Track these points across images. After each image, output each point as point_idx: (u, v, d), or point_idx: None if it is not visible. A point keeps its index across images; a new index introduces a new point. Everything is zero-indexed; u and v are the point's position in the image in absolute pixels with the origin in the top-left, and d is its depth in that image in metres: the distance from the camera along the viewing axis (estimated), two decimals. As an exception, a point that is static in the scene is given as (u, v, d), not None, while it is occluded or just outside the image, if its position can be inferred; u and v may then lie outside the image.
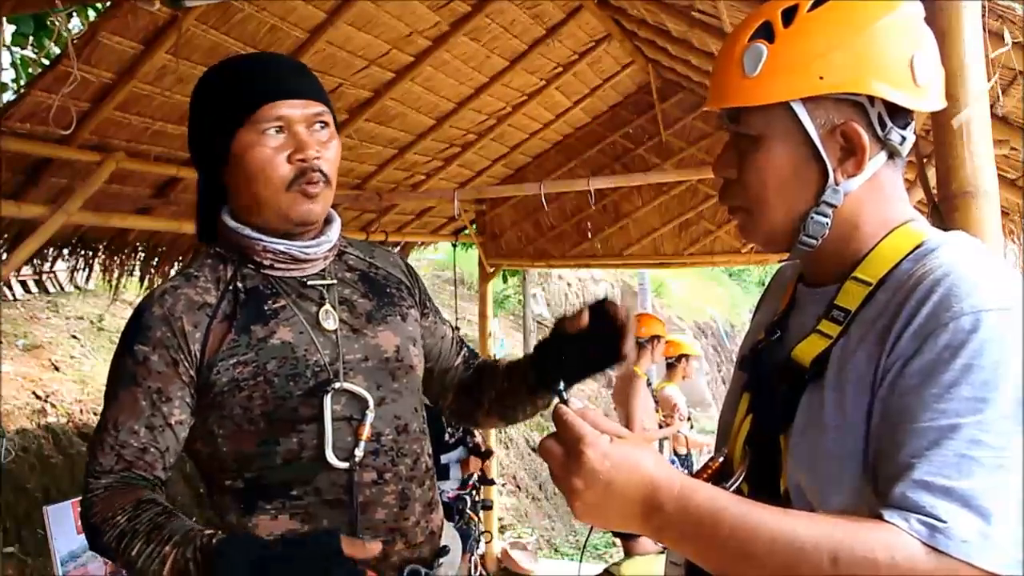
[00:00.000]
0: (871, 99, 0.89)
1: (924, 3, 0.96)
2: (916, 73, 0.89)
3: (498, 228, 5.67)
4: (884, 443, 0.81)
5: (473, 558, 4.58)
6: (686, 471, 1.34)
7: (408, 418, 1.35)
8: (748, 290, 17.27)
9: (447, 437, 4.43)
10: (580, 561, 6.59)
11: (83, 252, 3.66)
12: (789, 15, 0.91)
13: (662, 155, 5.08)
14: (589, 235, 5.39)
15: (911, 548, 0.73)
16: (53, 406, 4.83)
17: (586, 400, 9.46)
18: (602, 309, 1.34)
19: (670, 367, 5.39)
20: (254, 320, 1.26)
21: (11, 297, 5.92)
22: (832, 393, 0.87)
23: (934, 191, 1.47)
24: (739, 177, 0.96)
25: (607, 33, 4.16)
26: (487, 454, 4.72)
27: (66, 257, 3.62)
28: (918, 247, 0.89)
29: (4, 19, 2.94)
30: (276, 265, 1.31)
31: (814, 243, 0.94)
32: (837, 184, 0.91)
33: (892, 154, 0.93)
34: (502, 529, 6.86)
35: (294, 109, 1.26)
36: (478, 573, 4.75)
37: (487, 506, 4.75)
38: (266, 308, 1.28)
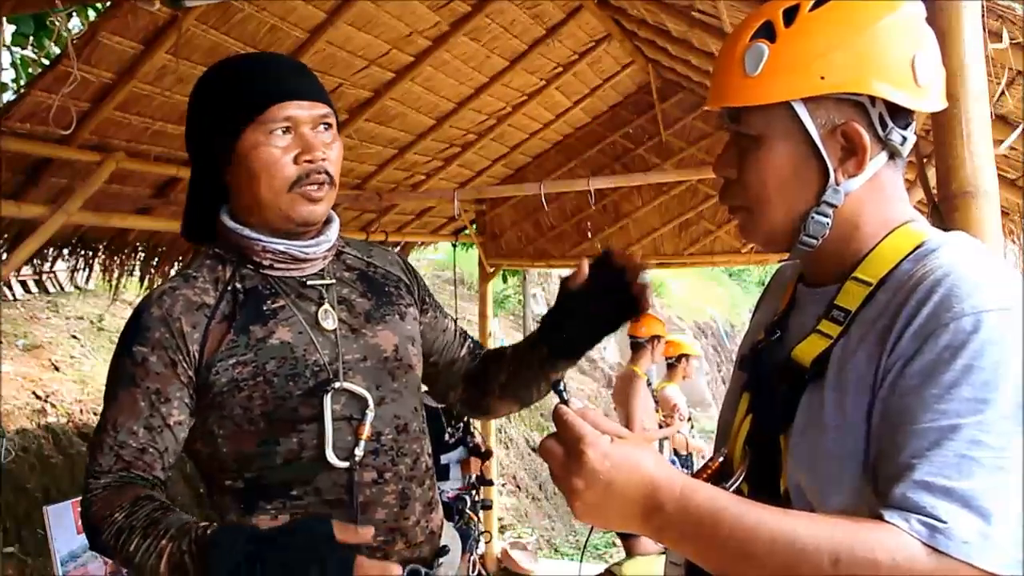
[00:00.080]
0: (872, 99, 0.89)
1: (924, 3, 0.96)
2: (917, 73, 0.89)
3: (498, 228, 5.67)
4: (884, 443, 0.80)
5: (473, 558, 4.58)
6: (687, 471, 1.34)
7: (408, 418, 1.35)
8: (748, 290, 17.27)
9: (447, 437, 4.43)
10: (581, 561, 6.59)
11: (83, 252, 3.66)
12: (790, 15, 0.91)
13: (662, 155, 5.08)
14: (589, 235, 5.39)
15: (911, 548, 0.73)
16: (53, 406, 4.83)
17: (586, 400, 9.46)
18: (607, 261, 1.32)
19: (670, 367, 5.38)
20: (253, 320, 1.26)
21: (11, 297, 5.92)
22: (832, 393, 0.87)
23: (934, 191, 1.47)
24: (739, 177, 0.96)
25: (607, 33, 4.16)
26: (486, 454, 4.72)
27: (66, 257, 3.62)
28: (918, 247, 0.89)
29: (4, 19, 2.94)
30: (275, 265, 1.31)
31: (814, 243, 0.94)
32: (838, 184, 0.91)
33: (893, 154, 0.93)
34: (502, 529, 6.86)
35: (301, 110, 1.26)
36: (476, 573, 4.76)
37: (487, 506, 4.75)
38: (265, 308, 1.28)
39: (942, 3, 1.34)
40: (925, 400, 0.78)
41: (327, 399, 1.25)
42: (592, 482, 0.80)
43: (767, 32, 0.91)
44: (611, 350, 11.74)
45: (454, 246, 6.27)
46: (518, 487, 7.80)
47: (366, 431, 1.27)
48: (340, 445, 1.25)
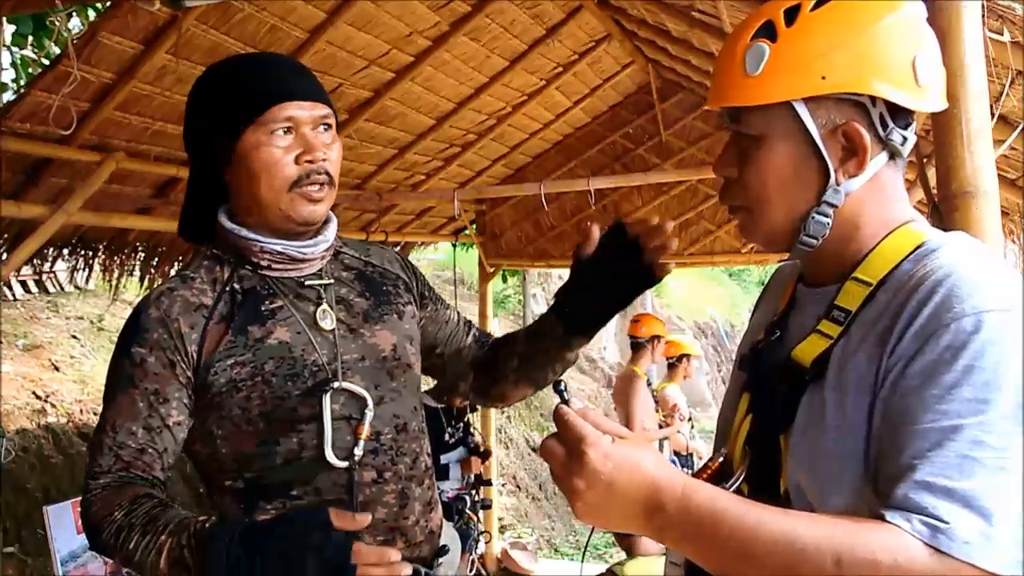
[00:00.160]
0: (873, 99, 0.89)
1: (924, 3, 0.96)
2: (918, 73, 0.89)
3: (498, 228, 5.67)
4: (885, 444, 0.80)
5: (472, 558, 4.58)
6: (687, 471, 1.34)
7: (407, 417, 1.35)
8: (748, 290, 17.27)
9: (447, 437, 4.44)
10: (582, 561, 6.59)
11: (83, 252, 3.66)
12: (791, 14, 0.90)
13: (662, 155, 5.08)
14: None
15: (913, 549, 0.73)
16: (53, 406, 4.83)
17: (586, 400, 9.46)
18: (621, 231, 1.29)
19: (671, 367, 5.38)
20: (251, 320, 1.26)
21: (11, 297, 5.92)
22: (833, 394, 0.87)
23: (934, 191, 1.47)
24: (740, 176, 0.96)
25: (607, 33, 4.16)
26: (485, 455, 4.72)
27: (66, 257, 3.62)
28: (918, 247, 0.89)
29: (4, 19, 2.94)
30: (273, 265, 1.31)
31: (815, 243, 0.94)
32: (838, 184, 0.91)
33: (893, 154, 0.93)
34: (502, 529, 6.86)
35: (302, 111, 1.26)
36: (474, 572, 4.76)
37: (486, 505, 4.75)
38: (263, 308, 1.28)
39: (942, 3, 1.35)
40: (926, 400, 0.78)
41: (326, 399, 1.25)
42: (593, 482, 0.80)
43: (768, 32, 0.91)
44: (611, 350, 11.75)
45: (454, 246, 6.28)
46: (518, 487, 7.80)
47: (365, 431, 1.27)
48: (339, 445, 1.25)
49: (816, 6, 0.90)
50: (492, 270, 5.79)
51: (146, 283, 4.01)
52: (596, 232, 1.31)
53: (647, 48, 4.45)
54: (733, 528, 0.77)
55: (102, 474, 1.21)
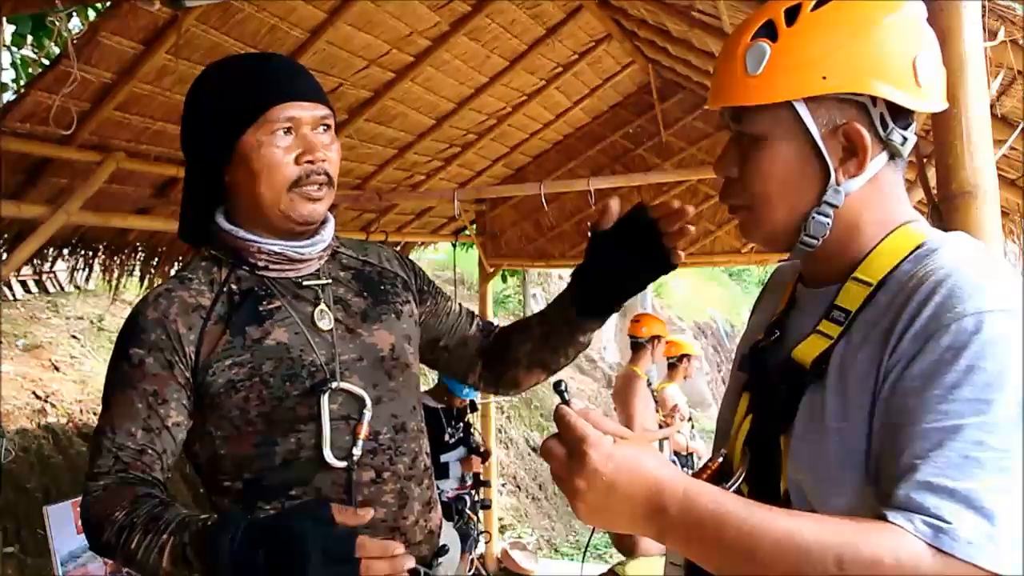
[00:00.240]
0: (873, 99, 0.89)
1: (924, 3, 0.96)
2: (918, 74, 0.89)
3: (498, 228, 5.67)
4: (886, 445, 0.80)
5: (472, 558, 4.58)
6: (687, 471, 1.34)
7: (405, 417, 1.35)
8: (748, 290, 17.26)
9: (447, 437, 4.43)
10: (583, 561, 6.59)
11: (83, 252, 3.66)
12: (792, 14, 0.90)
13: (662, 155, 5.08)
14: (589, 235, 5.38)
15: (916, 549, 0.73)
16: (53, 406, 4.83)
17: (586, 400, 9.46)
18: (641, 214, 1.29)
19: (671, 367, 5.38)
20: (249, 321, 1.26)
21: (11, 297, 5.91)
22: (833, 394, 0.87)
23: (934, 191, 1.47)
24: (740, 176, 0.96)
25: (607, 33, 4.16)
26: (485, 455, 4.72)
27: (66, 257, 3.62)
28: (918, 248, 0.89)
29: (4, 19, 2.94)
30: (271, 266, 1.31)
31: (815, 243, 0.94)
32: (839, 184, 0.91)
33: (893, 155, 0.93)
34: (502, 529, 6.86)
35: (303, 111, 1.26)
36: (473, 572, 4.75)
37: (486, 505, 4.75)
38: (261, 309, 1.28)
39: (942, 3, 1.34)
40: (927, 401, 0.78)
41: (324, 399, 1.25)
42: (595, 483, 0.80)
43: (769, 31, 0.91)
44: (611, 350, 11.74)
45: (454, 246, 6.28)
46: (518, 487, 7.80)
47: (364, 431, 1.27)
48: (338, 445, 1.25)
49: (817, 6, 0.90)
50: (492, 270, 5.79)
51: (146, 283, 4.01)
52: (615, 205, 1.31)
53: (647, 48, 4.45)
54: (736, 529, 0.77)
55: (102, 475, 1.21)
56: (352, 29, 3.14)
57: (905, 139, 0.92)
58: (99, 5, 3.55)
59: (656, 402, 4.96)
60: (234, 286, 1.30)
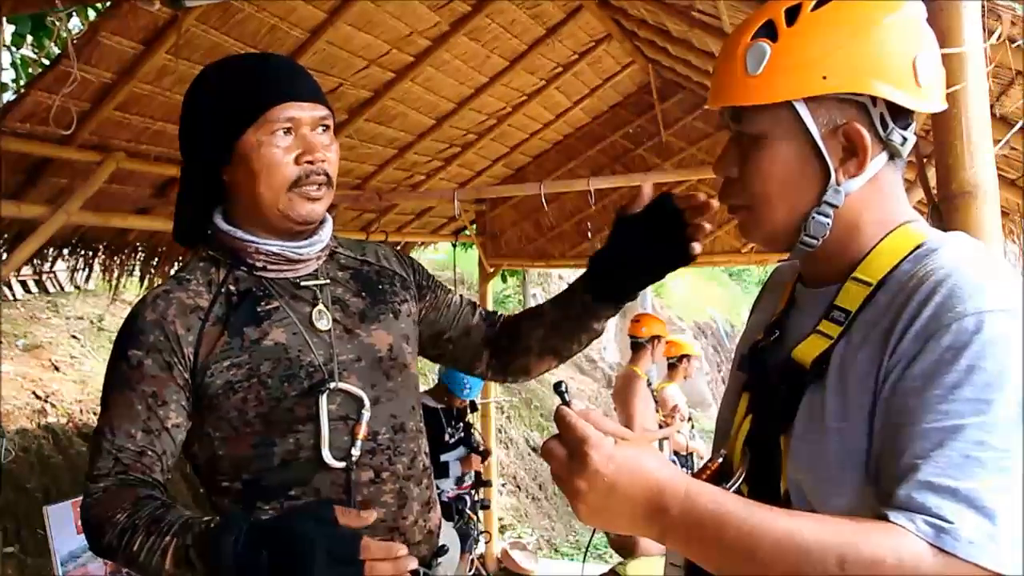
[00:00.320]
0: (873, 99, 0.89)
1: (924, 3, 0.96)
2: (918, 74, 0.89)
3: (498, 228, 5.67)
4: (887, 445, 0.80)
5: (472, 558, 4.58)
6: (687, 471, 1.34)
7: (404, 417, 1.35)
8: (748, 290, 17.26)
9: (447, 437, 4.43)
10: (584, 561, 6.59)
11: (83, 252, 3.66)
12: (792, 14, 0.90)
13: (662, 155, 5.08)
14: (589, 235, 5.39)
15: (917, 549, 0.73)
16: (53, 406, 4.83)
17: (586, 400, 9.46)
18: (665, 203, 1.29)
19: (671, 367, 5.38)
20: (247, 322, 1.26)
21: (11, 297, 5.91)
22: (833, 394, 0.87)
23: (934, 191, 1.47)
24: (740, 176, 0.96)
25: (607, 33, 4.16)
26: (485, 455, 4.72)
27: (66, 257, 3.62)
28: (918, 248, 0.89)
29: (4, 19, 2.94)
30: (269, 267, 1.31)
31: (815, 243, 0.94)
32: (839, 184, 0.91)
33: (893, 155, 0.93)
34: (502, 529, 6.86)
35: (302, 111, 1.26)
36: (473, 572, 4.75)
37: (485, 505, 4.75)
38: (259, 310, 1.28)
39: (942, 3, 1.34)
40: (928, 401, 0.78)
41: (322, 400, 1.25)
42: (595, 484, 0.80)
43: (769, 31, 0.91)
44: (611, 350, 11.74)
45: (454, 246, 6.27)
46: (518, 487, 7.80)
47: (362, 431, 1.27)
48: (337, 445, 1.25)
49: (817, 6, 0.90)
50: (492, 270, 5.79)
51: (146, 283, 4.01)
52: (648, 188, 1.31)
53: (647, 48, 4.45)
54: (737, 529, 0.77)
55: (102, 477, 1.21)
56: (352, 29, 3.14)
57: (905, 139, 0.92)
58: (99, 5, 3.55)
59: (656, 402, 4.96)
60: (232, 287, 1.30)
